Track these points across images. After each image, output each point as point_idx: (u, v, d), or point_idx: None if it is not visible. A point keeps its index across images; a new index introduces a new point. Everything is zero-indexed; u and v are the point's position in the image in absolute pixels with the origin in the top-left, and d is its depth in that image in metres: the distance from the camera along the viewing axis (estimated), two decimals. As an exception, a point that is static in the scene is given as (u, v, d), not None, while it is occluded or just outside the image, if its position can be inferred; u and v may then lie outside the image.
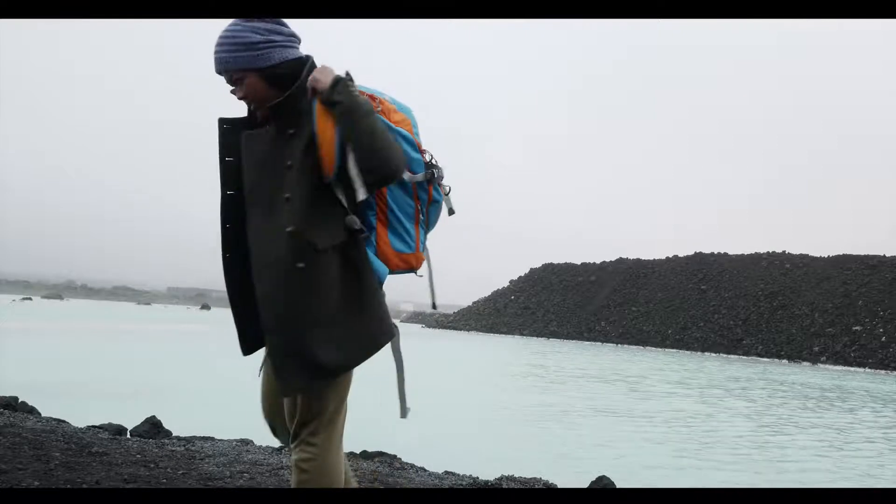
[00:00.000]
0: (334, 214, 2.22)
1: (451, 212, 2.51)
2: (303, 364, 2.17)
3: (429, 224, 2.46)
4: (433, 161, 2.41)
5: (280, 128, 2.23)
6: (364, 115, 2.15)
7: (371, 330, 2.25)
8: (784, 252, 73.04)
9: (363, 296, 2.25)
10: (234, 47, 2.21)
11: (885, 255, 65.02)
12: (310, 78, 2.20)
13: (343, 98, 2.15)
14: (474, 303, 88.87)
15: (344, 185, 2.23)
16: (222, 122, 2.35)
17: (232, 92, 2.30)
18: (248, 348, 2.39)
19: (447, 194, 2.47)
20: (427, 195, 2.41)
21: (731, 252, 75.88)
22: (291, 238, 2.15)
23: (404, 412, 2.39)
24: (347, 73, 2.25)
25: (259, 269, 2.20)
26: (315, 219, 2.18)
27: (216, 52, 2.24)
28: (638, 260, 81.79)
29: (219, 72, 2.26)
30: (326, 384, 2.23)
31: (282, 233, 2.16)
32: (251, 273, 2.26)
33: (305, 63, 2.26)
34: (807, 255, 71.22)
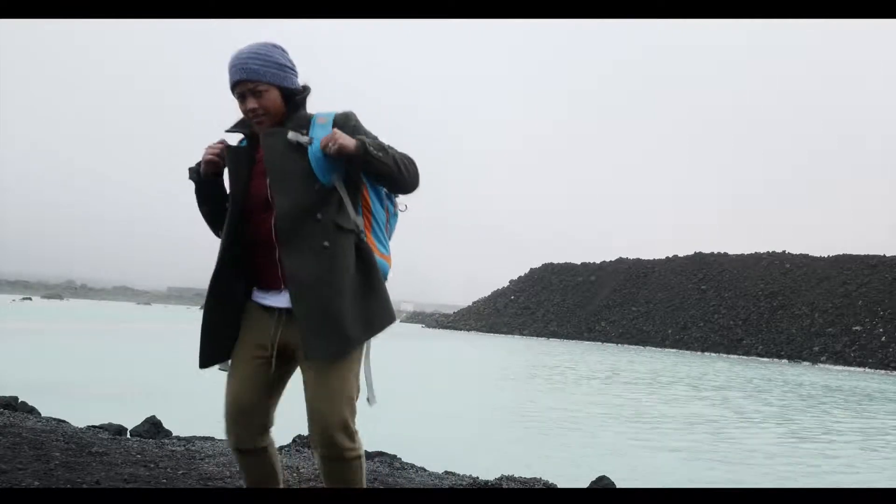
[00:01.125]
0: (345, 207, 2.51)
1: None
2: (336, 330, 2.39)
3: (390, 234, 2.74)
4: None
5: (293, 130, 2.47)
6: (386, 157, 2.43)
7: (380, 310, 2.52)
8: (784, 252, 73.04)
9: (373, 281, 2.52)
10: (267, 63, 2.45)
11: (885, 255, 65.03)
12: (331, 143, 2.38)
13: (375, 155, 2.40)
14: (474, 303, 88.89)
15: (347, 188, 2.52)
16: (230, 148, 2.56)
17: (242, 101, 2.48)
18: (206, 361, 2.57)
19: (403, 211, 2.76)
20: (393, 207, 2.73)
21: (731, 252, 75.98)
22: (320, 221, 2.43)
23: (372, 399, 2.60)
24: (352, 114, 2.53)
25: (289, 249, 2.42)
26: (334, 205, 2.47)
27: (245, 62, 2.44)
28: (638, 260, 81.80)
29: (241, 80, 2.45)
30: (349, 355, 2.45)
31: (311, 215, 2.43)
32: (236, 289, 2.54)
33: (309, 90, 2.57)
34: (807, 255, 71.24)
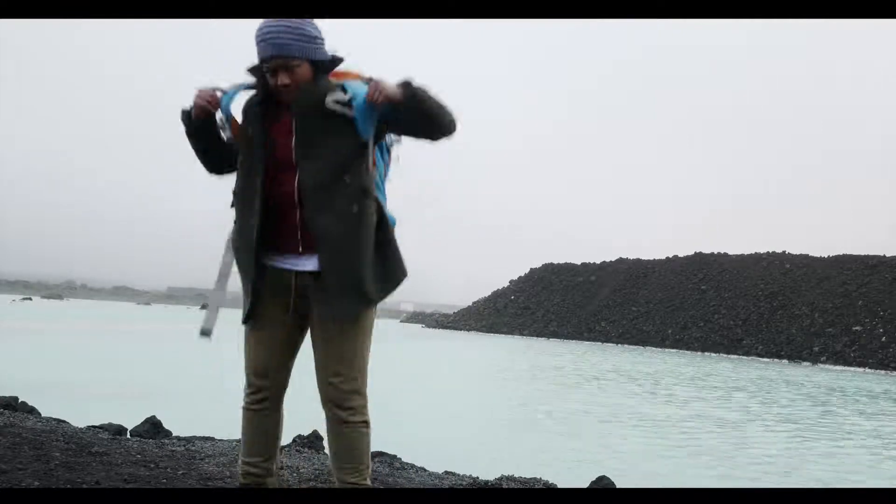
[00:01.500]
0: (367, 170, 2.51)
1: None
2: (358, 291, 2.45)
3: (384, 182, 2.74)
4: None
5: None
6: (431, 99, 2.43)
7: (395, 267, 2.57)
8: (784, 252, 73.02)
9: (389, 239, 2.56)
10: (298, 37, 2.41)
11: (885, 255, 65.01)
12: (377, 92, 2.38)
13: (420, 96, 2.40)
14: (474, 303, 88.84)
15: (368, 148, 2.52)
16: (246, 108, 2.54)
17: (273, 75, 2.44)
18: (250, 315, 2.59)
19: (397, 160, 2.76)
20: (390, 156, 2.73)
21: (731, 252, 75.93)
22: (348, 184, 2.43)
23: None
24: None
25: (317, 212, 2.43)
26: (362, 168, 2.48)
27: (276, 37, 2.39)
28: (638, 260, 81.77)
29: (272, 56, 2.41)
30: (366, 319, 2.52)
31: (340, 178, 2.43)
32: (261, 249, 2.51)
33: (340, 60, 2.54)
34: (807, 255, 71.21)
